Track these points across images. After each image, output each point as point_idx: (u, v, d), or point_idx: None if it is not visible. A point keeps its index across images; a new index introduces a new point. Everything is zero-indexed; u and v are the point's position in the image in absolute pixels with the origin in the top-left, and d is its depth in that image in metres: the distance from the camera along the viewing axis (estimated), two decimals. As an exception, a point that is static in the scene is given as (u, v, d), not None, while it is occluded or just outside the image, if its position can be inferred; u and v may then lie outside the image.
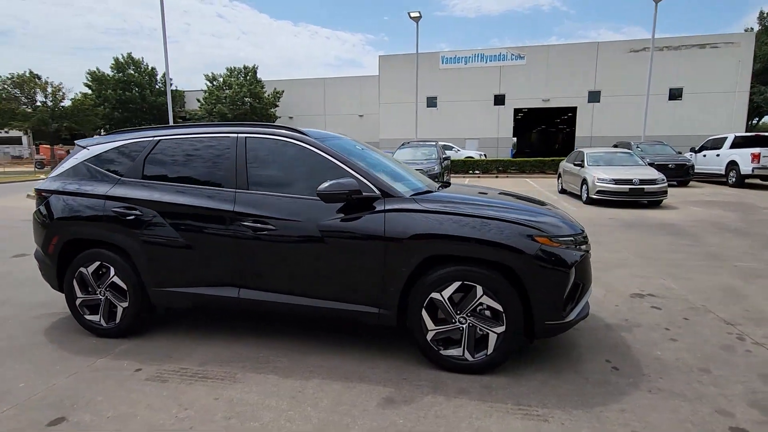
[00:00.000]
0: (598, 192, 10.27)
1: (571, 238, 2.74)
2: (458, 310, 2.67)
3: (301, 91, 41.05)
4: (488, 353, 2.67)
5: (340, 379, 2.67)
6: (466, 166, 22.15)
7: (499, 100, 31.97)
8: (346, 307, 2.86)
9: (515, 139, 34.15)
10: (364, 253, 2.77)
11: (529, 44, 35.02)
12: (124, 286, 3.21)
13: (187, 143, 3.26)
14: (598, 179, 10.32)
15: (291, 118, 41.93)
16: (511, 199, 3.25)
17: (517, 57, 31.39)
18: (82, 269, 3.28)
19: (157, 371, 2.79)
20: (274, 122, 39.56)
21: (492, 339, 2.65)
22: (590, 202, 10.63)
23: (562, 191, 13.43)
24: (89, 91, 39.03)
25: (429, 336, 2.73)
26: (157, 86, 42.37)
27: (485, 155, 25.76)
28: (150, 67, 42.55)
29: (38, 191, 3.49)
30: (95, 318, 3.31)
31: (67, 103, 32.32)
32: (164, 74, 42.83)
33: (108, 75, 39.78)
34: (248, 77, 37.62)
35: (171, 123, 17.66)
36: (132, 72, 40.75)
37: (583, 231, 2.92)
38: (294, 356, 2.97)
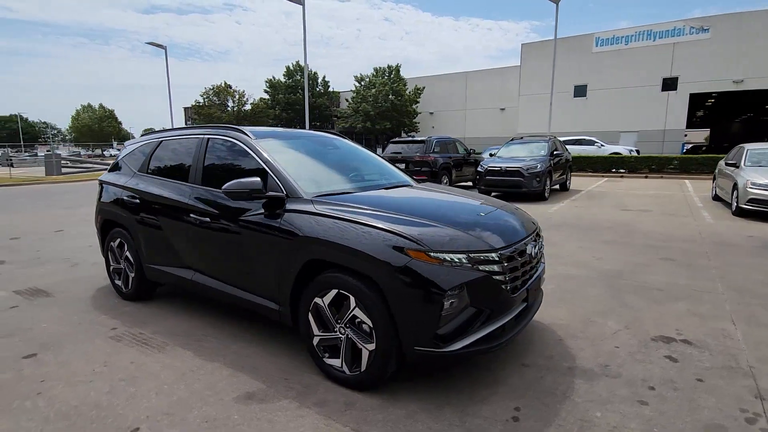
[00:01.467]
0: (750, 201, 7.86)
1: (464, 255, 2.31)
2: (338, 320, 2.54)
3: (442, 86, 41.31)
4: (361, 370, 2.47)
5: (235, 368, 2.82)
6: (607, 164, 19.22)
7: (669, 84, 26.66)
8: (257, 300, 2.99)
9: (687, 132, 28.05)
10: (265, 250, 2.85)
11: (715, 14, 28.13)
12: (132, 260, 3.95)
13: (174, 143, 3.80)
14: (752, 184, 7.89)
15: (431, 113, 42.64)
16: (452, 205, 2.89)
17: (699, 30, 25.58)
18: (111, 243, 4.15)
19: (123, 332, 3.39)
20: (414, 118, 41.31)
21: (365, 355, 2.45)
22: (740, 213, 8.20)
23: (715, 197, 10.64)
24: (266, 96, 46.57)
25: (315, 341, 2.67)
26: (317, 89, 47.96)
27: (637, 151, 21.89)
28: (313, 72, 48.34)
29: (99, 181, 4.52)
30: (118, 282, 4.15)
31: (247, 107, 39.38)
32: (323, 77, 48.69)
33: (281, 81, 46.72)
34: (392, 76, 39.59)
35: (307, 122, 19.90)
36: (299, 77, 46.96)
37: (500, 249, 2.43)
38: (225, 340, 3.24)
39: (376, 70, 40.72)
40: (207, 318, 3.64)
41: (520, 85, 31.56)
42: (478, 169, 11.67)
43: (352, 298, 2.43)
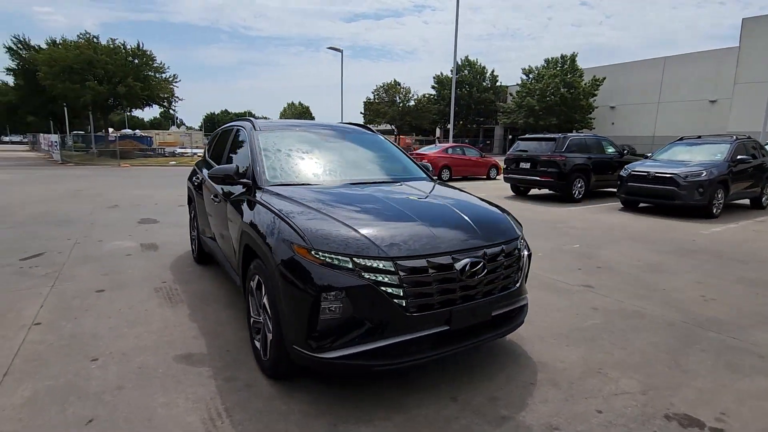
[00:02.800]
0: None
1: (349, 259, 2.11)
2: (259, 305, 2.63)
3: (630, 75, 35.50)
4: (267, 357, 2.52)
5: (203, 331, 3.19)
6: None
7: None
8: (232, 274, 3.31)
9: None
10: (232, 231, 3.12)
11: None
12: (193, 231, 4.79)
13: (224, 132, 4.40)
14: None
15: (612, 108, 37.12)
16: (391, 206, 2.63)
17: None
18: (190, 215, 5.10)
19: (165, 286, 4.15)
20: (588, 113, 36.55)
21: (268, 344, 2.48)
22: None
23: None
24: (433, 92, 47.83)
25: (251, 321, 2.81)
26: (484, 83, 46.87)
27: None
28: (481, 66, 47.40)
29: (195, 164, 5.54)
30: (193, 247, 5.06)
31: (411, 103, 41.26)
32: (492, 71, 47.22)
33: (448, 77, 47.27)
34: (565, 66, 35.84)
35: (452, 120, 19.80)
36: (466, 73, 46.72)
37: (396, 258, 2.14)
38: (226, 307, 3.67)
39: (547, 61, 37.47)
40: (230, 286, 4.16)
41: (737, 71, 24.68)
42: (621, 173, 9.76)
43: (263, 286, 2.49)
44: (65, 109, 32.73)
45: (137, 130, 49.28)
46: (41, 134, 39.26)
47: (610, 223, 7.92)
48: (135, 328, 3.21)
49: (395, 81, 42.19)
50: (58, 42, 28.33)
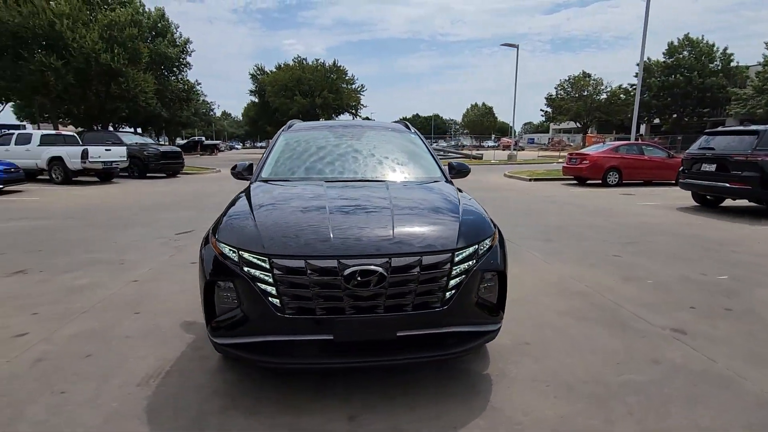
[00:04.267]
0: None
1: (236, 252, 2.17)
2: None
3: None
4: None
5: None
6: None
7: None
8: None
9: None
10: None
11: None
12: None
13: None
14: None
15: None
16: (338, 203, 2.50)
17: None
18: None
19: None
20: None
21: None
22: None
23: None
24: (634, 82, 40.70)
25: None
26: (711, 65, 37.34)
27: None
28: (709, 45, 37.89)
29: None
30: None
31: (603, 96, 35.96)
32: (724, 49, 37.06)
33: (658, 61, 39.46)
34: None
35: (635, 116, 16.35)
36: (683, 55, 38.10)
37: (273, 255, 2.09)
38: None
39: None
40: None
41: None
42: None
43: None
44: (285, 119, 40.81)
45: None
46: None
47: (825, 253, 5.41)
48: (134, 287, 3.90)
49: (584, 73, 37.49)
50: (281, 65, 35.53)
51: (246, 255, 2.12)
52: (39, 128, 23.21)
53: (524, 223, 7.28)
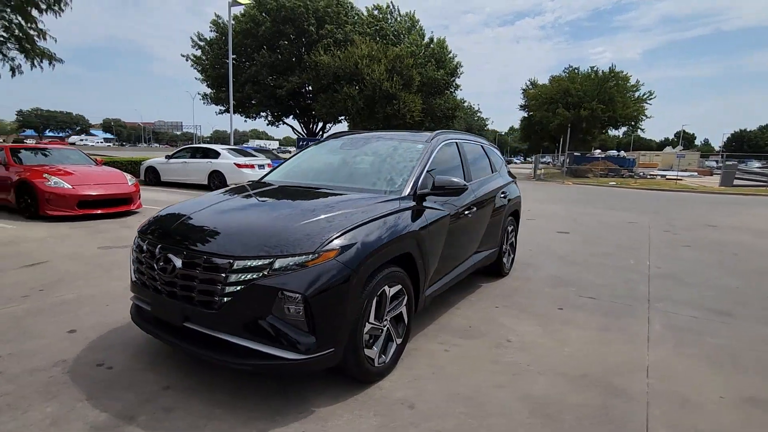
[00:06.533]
0: None
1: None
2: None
3: None
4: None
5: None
6: None
7: None
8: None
9: None
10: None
11: None
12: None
13: None
14: None
15: None
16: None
17: None
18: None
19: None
20: None
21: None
22: None
23: None
24: None
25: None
26: None
27: None
28: None
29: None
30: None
31: None
32: None
33: None
34: None
35: None
36: None
37: (140, 233, 2.55)
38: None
39: None
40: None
41: None
42: None
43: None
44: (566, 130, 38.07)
45: (621, 151, 49.36)
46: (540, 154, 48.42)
47: None
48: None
49: None
50: (553, 77, 33.91)
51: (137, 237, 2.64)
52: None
53: None
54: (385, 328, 2.51)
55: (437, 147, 3.39)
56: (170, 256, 2.24)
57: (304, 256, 2.07)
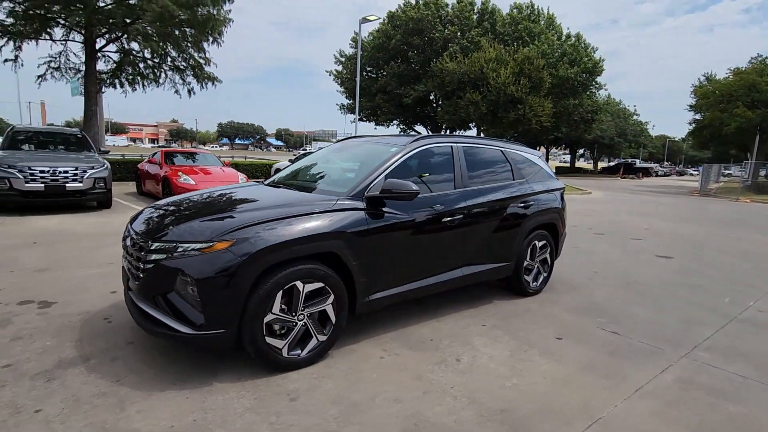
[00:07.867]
0: None
1: None
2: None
3: None
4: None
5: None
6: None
7: None
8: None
9: None
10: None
11: None
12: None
13: None
14: None
15: None
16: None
17: None
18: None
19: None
20: None
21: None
22: None
23: None
24: None
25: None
26: None
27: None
28: None
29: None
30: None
31: None
32: None
33: None
34: None
35: None
36: None
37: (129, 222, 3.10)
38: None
39: None
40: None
41: None
42: None
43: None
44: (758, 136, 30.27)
45: None
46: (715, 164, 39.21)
47: None
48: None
49: None
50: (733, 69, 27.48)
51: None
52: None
53: None
54: (301, 323, 2.62)
55: (410, 152, 3.33)
56: (131, 236, 2.77)
57: (199, 244, 2.36)
